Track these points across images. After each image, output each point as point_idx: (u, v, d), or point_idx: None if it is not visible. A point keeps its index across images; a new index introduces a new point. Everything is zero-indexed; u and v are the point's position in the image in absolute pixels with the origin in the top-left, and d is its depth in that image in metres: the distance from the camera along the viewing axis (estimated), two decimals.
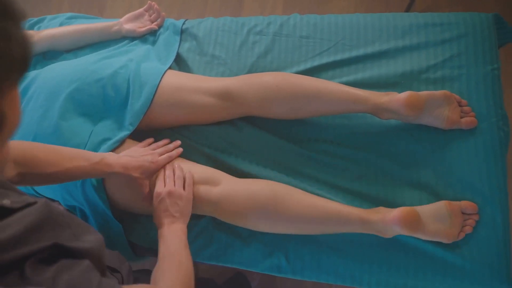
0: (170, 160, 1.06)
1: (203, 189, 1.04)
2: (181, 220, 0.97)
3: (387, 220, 0.98)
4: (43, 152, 0.85)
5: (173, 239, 0.91)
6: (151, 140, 1.12)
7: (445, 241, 1.01)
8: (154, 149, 1.07)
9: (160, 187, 1.00)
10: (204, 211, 1.06)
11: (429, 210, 1.01)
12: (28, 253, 0.47)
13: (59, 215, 0.53)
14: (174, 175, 1.03)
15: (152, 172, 1.03)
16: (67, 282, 0.48)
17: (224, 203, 1.03)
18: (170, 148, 1.10)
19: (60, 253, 0.51)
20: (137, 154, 1.02)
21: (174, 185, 1.00)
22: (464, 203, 1.03)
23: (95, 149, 1.05)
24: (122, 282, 0.91)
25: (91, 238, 0.58)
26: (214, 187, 1.05)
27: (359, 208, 1.03)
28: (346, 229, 1.02)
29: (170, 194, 0.98)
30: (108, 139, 1.08)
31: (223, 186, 1.05)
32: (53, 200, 1.16)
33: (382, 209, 1.03)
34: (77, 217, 0.60)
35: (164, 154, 1.07)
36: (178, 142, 1.12)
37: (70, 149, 0.93)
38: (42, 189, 1.13)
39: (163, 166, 1.05)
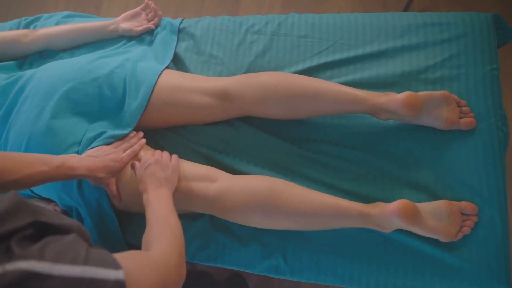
0: (134, 155, 1.05)
1: (200, 185, 1.03)
2: (167, 186, 0.96)
3: (386, 212, 0.97)
4: None
5: (159, 203, 0.90)
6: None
7: (442, 239, 1.00)
8: (117, 146, 1.05)
9: (148, 155, 1.01)
10: (202, 207, 1.05)
11: (428, 207, 1.01)
12: (9, 231, 0.47)
13: (33, 203, 0.53)
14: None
15: (117, 171, 1.01)
16: (55, 251, 0.48)
17: (222, 199, 1.02)
18: (133, 142, 1.08)
19: (43, 231, 0.51)
20: (101, 154, 1.00)
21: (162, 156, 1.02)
22: (463, 204, 1.03)
23: (89, 143, 1.04)
24: None
25: (69, 220, 0.58)
26: (211, 183, 1.04)
27: (358, 203, 1.03)
28: (345, 224, 1.02)
29: (157, 161, 0.99)
30: (104, 132, 1.07)
31: (220, 182, 1.04)
32: (50, 201, 1.15)
33: (380, 203, 1.02)
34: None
35: (127, 149, 1.05)
36: (141, 134, 1.11)
37: (29, 154, 0.90)
38: (38, 189, 1.12)
39: (128, 162, 1.04)
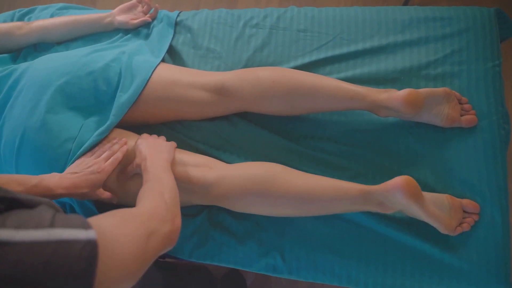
0: (117, 164, 1.00)
1: (198, 171, 1.02)
2: (163, 151, 0.98)
3: (388, 187, 0.94)
4: None
5: (155, 167, 0.90)
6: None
7: (441, 229, 0.98)
8: (99, 155, 1.01)
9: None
10: (199, 195, 1.03)
11: (431, 196, 0.99)
12: None
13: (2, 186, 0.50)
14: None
15: (100, 182, 0.97)
16: (18, 219, 0.44)
17: (219, 184, 1.01)
18: (115, 149, 1.02)
19: (10, 207, 0.48)
20: (82, 168, 0.96)
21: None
22: (466, 201, 1.02)
23: (84, 144, 1.02)
24: None
25: (41, 198, 0.55)
26: (209, 170, 1.03)
27: (358, 183, 1.00)
28: (346, 206, 0.99)
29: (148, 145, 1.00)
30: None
31: (218, 169, 1.04)
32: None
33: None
34: None
35: (109, 158, 1.00)
36: (124, 140, 1.04)
37: (8, 175, 0.88)
38: None
39: (111, 171, 1.00)
